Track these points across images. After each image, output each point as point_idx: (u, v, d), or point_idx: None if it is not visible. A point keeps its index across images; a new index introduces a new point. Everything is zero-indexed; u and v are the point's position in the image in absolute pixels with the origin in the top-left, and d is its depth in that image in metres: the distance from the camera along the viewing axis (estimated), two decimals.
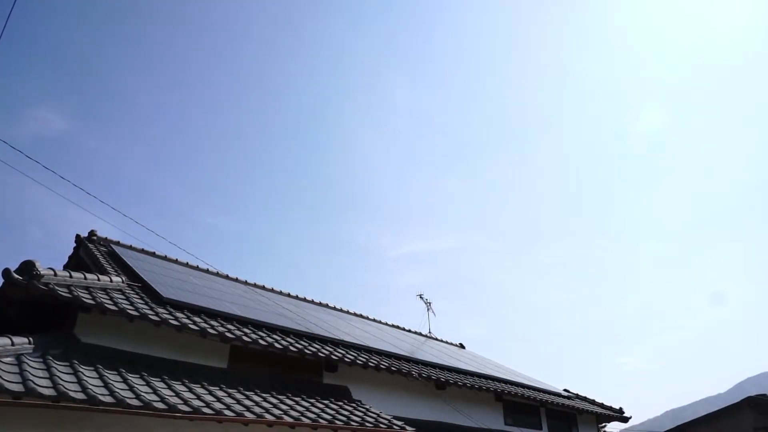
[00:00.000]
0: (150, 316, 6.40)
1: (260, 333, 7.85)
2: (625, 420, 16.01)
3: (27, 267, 5.84)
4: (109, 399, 4.89)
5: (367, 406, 8.16)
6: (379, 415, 7.71)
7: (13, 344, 5.18)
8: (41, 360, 5.25)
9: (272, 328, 8.41)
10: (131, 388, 5.36)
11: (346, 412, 7.28)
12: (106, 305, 6.09)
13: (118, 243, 11.05)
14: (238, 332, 7.32)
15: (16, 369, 4.75)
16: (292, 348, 7.74)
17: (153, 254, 11.49)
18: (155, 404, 5.14)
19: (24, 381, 4.53)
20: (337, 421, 6.69)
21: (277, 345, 7.57)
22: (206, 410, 5.50)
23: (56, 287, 5.96)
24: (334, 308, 14.92)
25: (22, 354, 5.17)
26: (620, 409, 15.89)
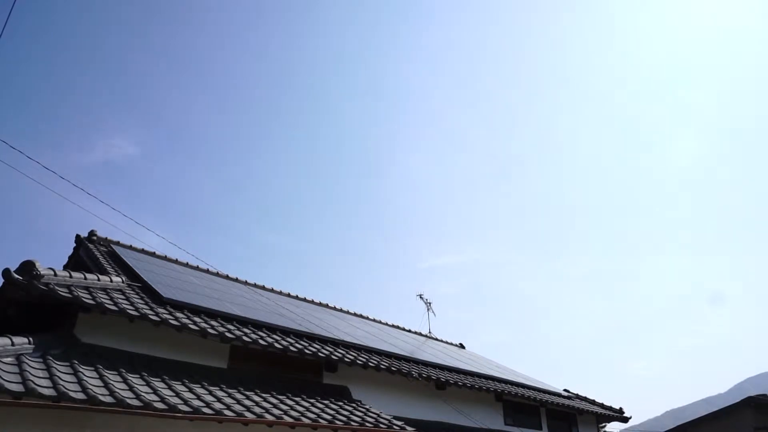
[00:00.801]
0: (150, 316, 6.40)
1: (260, 333, 7.85)
2: (625, 420, 16.00)
3: (27, 267, 5.84)
4: (109, 399, 4.89)
5: (367, 406, 8.16)
6: (379, 415, 7.71)
7: (13, 344, 5.17)
8: (41, 360, 5.25)
9: (272, 328, 8.41)
10: (131, 388, 5.36)
11: (346, 412, 7.28)
12: (106, 305, 6.09)
13: (118, 243, 11.05)
14: (238, 332, 7.32)
15: (16, 369, 4.75)
16: (292, 348, 7.74)
17: (153, 254, 11.49)
18: (155, 404, 5.14)
19: (24, 381, 4.53)
20: (337, 421, 6.68)
21: (277, 345, 7.57)
22: (206, 410, 5.50)
23: (56, 287, 5.96)
24: (335, 308, 14.91)
25: (22, 354, 5.17)
26: (620, 409, 15.88)
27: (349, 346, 9.50)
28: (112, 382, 5.32)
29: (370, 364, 8.79)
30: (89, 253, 9.58)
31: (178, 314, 7.01)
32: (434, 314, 18.94)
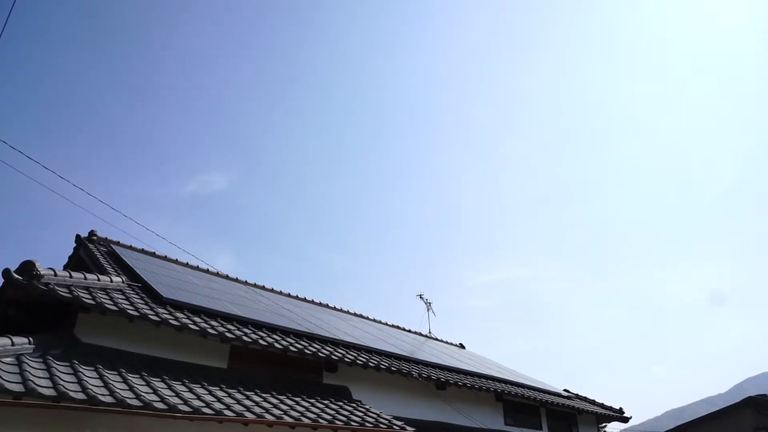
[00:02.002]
0: (150, 316, 6.40)
1: (260, 333, 7.85)
2: (625, 420, 16.00)
3: (27, 267, 5.84)
4: (109, 399, 4.89)
5: (367, 406, 8.15)
6: (379, 415, 7.71)
7: (13, 344, 5.17)
8: (41, 360, 5.24)
9: (272, 328, 8.41)
10: (131, 388, 5.36)
11: (346, 412, 7.28)
12: (106, 305, 6.09)
13: (118, 243, 11.05)
14: (238, 332, 7.32)
15: (16, 369, 4.75)
16: (292, 348, 7.74)
17: (153, 254, 11.49)
18: (155, 404, 5.14)
19: (24, 381, 4.53)
20: (337, 422, 6.68)
21: (277, 345, 7.57)
22: (206, 410, 5.50)
23: (56, 287, 5.96)
24: (335, 308, 14.91)
25: (22, 354, 5.17)
26: (620, 409, 15.89)
27: (349, 346, 9.50)
28: (112, 382, 5.32)
29: (370, 364, 8.79)
30: (89, 253, 9.58)
31: (178, 314, 7.01)
32: (434, 314, 18.94)
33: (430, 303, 19.01)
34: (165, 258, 11.66)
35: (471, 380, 11.06)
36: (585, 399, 16.00)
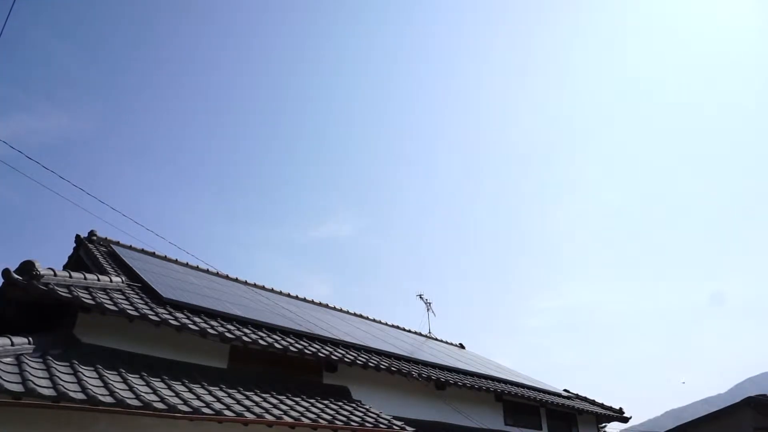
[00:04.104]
0: (150, 317, 6.40)
1: (260, 333, 7.85)
2: (625, 420, 16.01)
3: (27, 267, 5.84)
4: (109, 399, 4.89)
5: (367, 406, 8.15)
6: (379, 415, 7.71)
7: (13, 344, 5.17)
8: (41, 360, 5.24)
9: (272, 328, 8.41)
10: (131, 388, 5.36)
11: (346, 412, 7.28)
12: (105, 305, 6.08)
13: (118, 243, 11.05)
14: (238, 332, 7.32)
15: (16, 369, 4.75)
16: (292, 348, 7.74)
17: (153, 254, 11.49)
18: (155, 404, 5.14)
19: (24, 381, 4.52)
20: (337, 422, 6.68)
21: (277, 345, 7.57)
22: (206, 410, 5.50)
23: (56, 287, 5.96)
24: (335, 308, 14.92)
25: (22, 354, 5.17)
26: (620, 409, 15.89)
27: (349, 346, 9.50)
28: (111, 382, 5.32)
29: (370, 364, 8.79)
30: (89, 253, 9.58)
31: (178, 314, 7.01)
32: (434, 314, 18.92)
33: (429, 303, 19.02)
34: (165, 258, 11.66)
35: (471, 380, 11.06)
36: (585, 399, 16.00)
